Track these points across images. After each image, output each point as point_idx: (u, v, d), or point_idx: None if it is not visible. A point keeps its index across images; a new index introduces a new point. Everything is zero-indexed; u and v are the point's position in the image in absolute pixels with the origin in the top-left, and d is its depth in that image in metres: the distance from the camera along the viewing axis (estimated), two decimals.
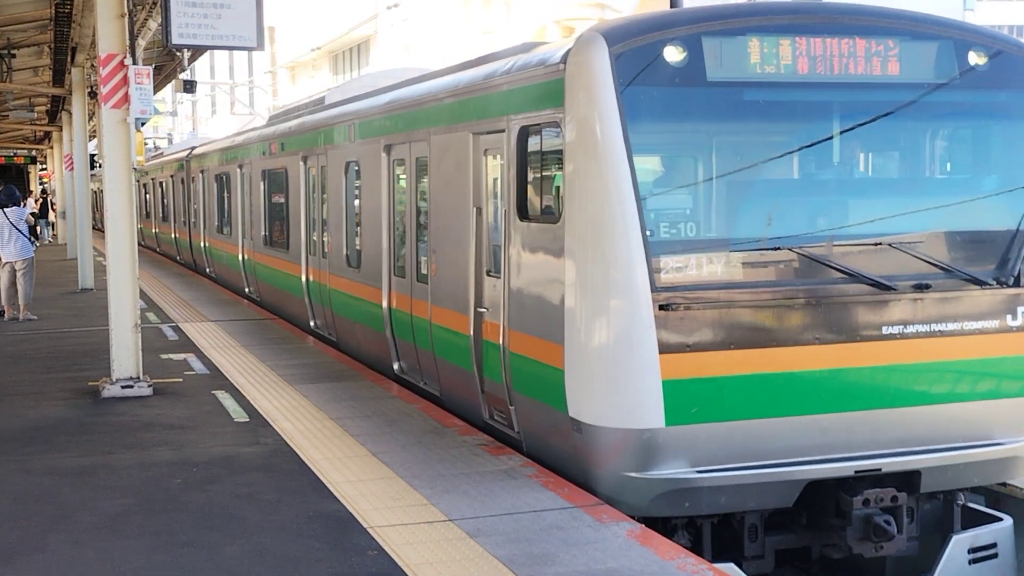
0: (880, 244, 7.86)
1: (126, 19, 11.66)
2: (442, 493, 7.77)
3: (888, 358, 7.75)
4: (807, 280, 7.66)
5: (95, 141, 28.27)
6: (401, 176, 11.59)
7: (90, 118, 26.32)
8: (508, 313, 8.67)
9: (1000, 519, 8.36)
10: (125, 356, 11.59)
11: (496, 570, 6.35)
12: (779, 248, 7.66)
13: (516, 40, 11.46)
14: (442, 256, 10.14)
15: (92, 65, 22.19)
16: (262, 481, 8.25)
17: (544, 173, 8.35)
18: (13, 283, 18.17)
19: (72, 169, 27.74)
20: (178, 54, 20.82)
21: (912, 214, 8.06)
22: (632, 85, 7.42)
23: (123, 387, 11.48)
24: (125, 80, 11.47)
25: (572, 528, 7.02)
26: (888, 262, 7.84)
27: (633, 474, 7.41)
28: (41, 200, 44.85)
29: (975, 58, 8.12)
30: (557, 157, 7.98)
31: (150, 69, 11.67)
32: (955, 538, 8.03)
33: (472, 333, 9.40)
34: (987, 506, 8.79)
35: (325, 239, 14.53)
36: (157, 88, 30.00)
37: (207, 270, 24.95)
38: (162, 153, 37.16)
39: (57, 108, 33.12)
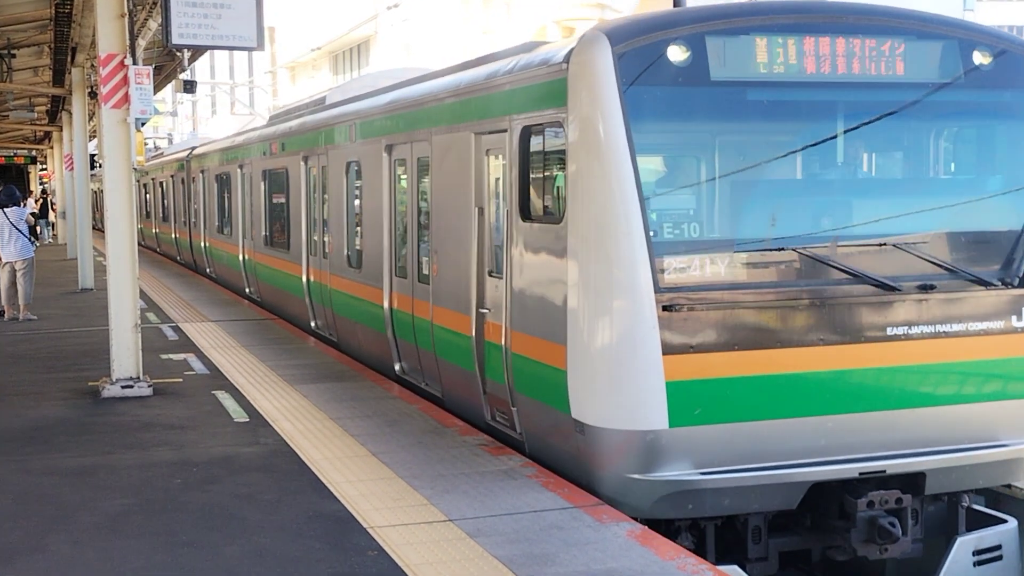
0: (885, 245, 7.83)
1: (126, 19, 11.65)
2: (442, 493, 7.76)
3: (893, 359, 7.72)
4: (811, 281, 7.62)
5: (95, 141, 28.26)
6: (402, 176, 11.55)
7: (90, 118, 26.32)
8: (510, 314, 8.63)
9: (1005, 521, 8.31)
10: (125, 356, 11.59)
11: (496, 570, 6.34)
12: (783, 249, 7.62)
13: (516, 40, 11.43)
14: (444, 256, 10.11)
15: (92, 65, 22.19)
16: (262, 481, 8.25)
17: (546, 173, 8.31)
18: (13, 283, 18.16)
19: (72, 169, 27.73)
20: (178, 54, 20.84)
21: (917, 214, 8.02)
22: (635, 85, 7.39)
23: (123, 387, 11.48)
24: (125, 80, 11.46)
25: (572, 528, 7.01)
26: (893, 263, 7.81)
27: (636, 476, 7.38)
28: (41, 200, 44.85)
29: (980, 58, 8.08)
30: (560, 157, 7.95)
31: (150, 69, 11.67)
32: (960, 540, 7.98)
33: (474, 334, 9.36)
34: (987, 507, 8.76)
35: (326, 239, 14.49)
36: (157, 88, 29.99)
37: (207, 270, 24.94)
38: (162, 153, 37.15)
39: (57, 108, 33.11)
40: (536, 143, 8.34)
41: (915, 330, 7.76)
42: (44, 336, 16.25)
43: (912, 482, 7.78)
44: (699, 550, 7.57)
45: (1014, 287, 7.99)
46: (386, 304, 11.79)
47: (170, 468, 8.66)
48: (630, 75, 7.38)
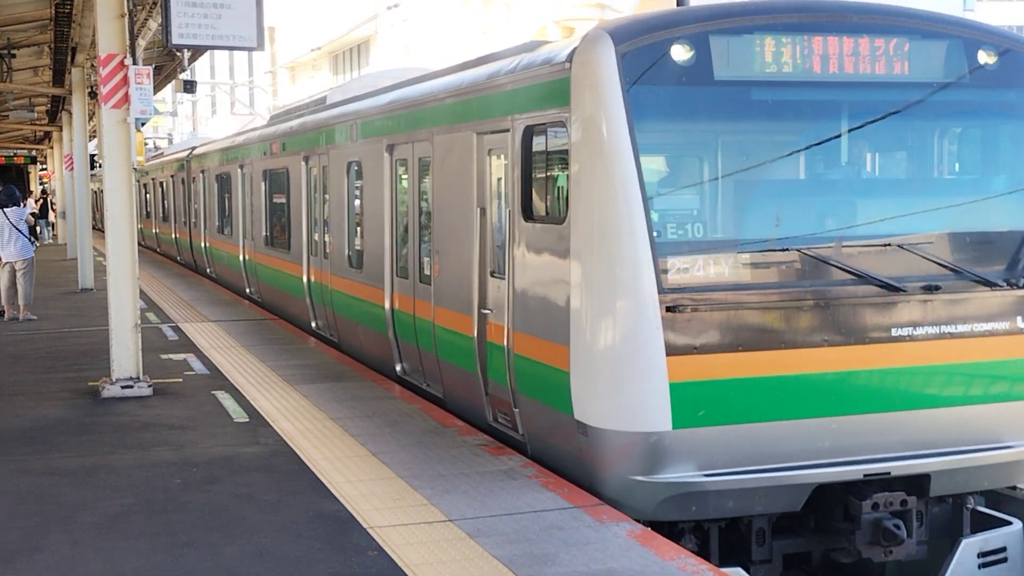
0: (889, 245, 7.79)
1: (126, 19, 11.65)
2: (442, 493, 7.76)
3: (897, 360, 7.68)
4: (815, 281, 7.58)
5: (95, 141, 28.25)
6: (404, 176, 11.51)
7: (90, 118, 26.31)
8: (512, 315, 8.58)
9: (1009, 523, 8.25)
10: (125, 356, 11.58)
11: (496, 570, 6.34)
12: (787, 249, 7.57)
13: (516, 41, 11.40)
14: (445, 257, 10.07)
15: (92, 65, 22.18)
16: (262, 481, 8.24)
17: (549, 173, 8.27)
18: (13, 283, 18.16)
19: (72, 169, 27.72)
20: (178, 54, 20.83)
21: (921, 215, 7.98)
22: (639, 84, 7.35)
23: (123, 387, 11.47)
24: (125, 80, 11.46)
25: (572, 528, 7.00)
26: (897, 263, 7.76)
27: (639, 478, 7.33)
28: (41, 200, 44.85)
29: (985, 57, 8.04)
30: (562, 157, 7.91)
31: (150, 69, 11.67)
32: (964, 542, 7.93)
33: (476, 335, 9.32)
34: (987, 508, 8.74)
35: (327, 239, 14.45)
36: (157, 88, 29.98)
37: (208, 270, 24.92)
38: (162, 153, 37.14)
39: (57, 108, 33.11)
40: (539, 143, 8.30)
41: (920, 331, 7.72)
42: (44, 336, 16.24)
43: (917, 484, 7.73)
44: (703, 552, 7.53)
45: (1019, 288, 7.94)
46: (387, 304, 11.75)
47: (170, 468, 8.65)
48: (633, 74, 7.34)
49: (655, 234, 7.27)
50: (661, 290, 7.22)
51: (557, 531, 6.95)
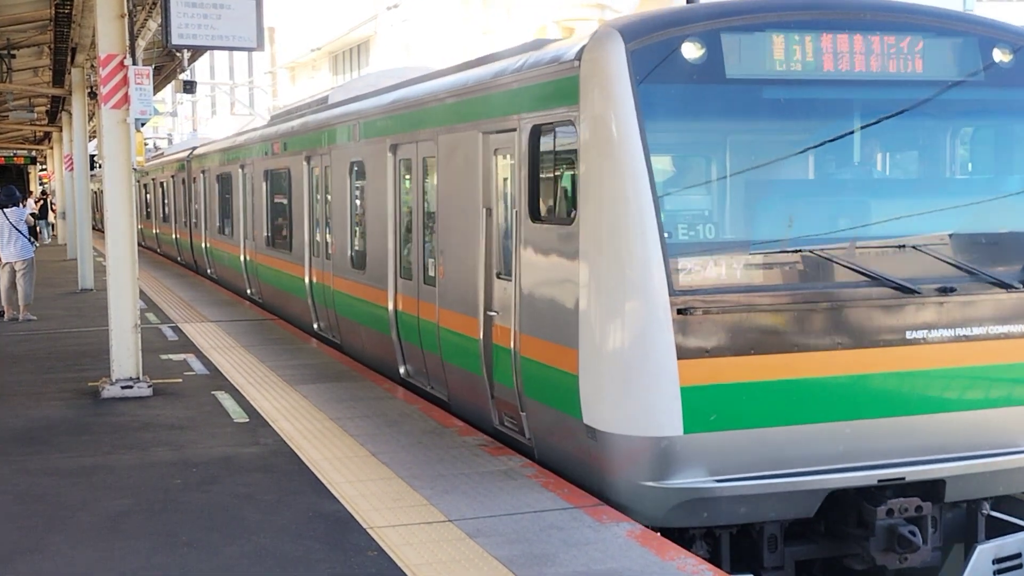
0: (904, 246, 7.66)
1: (126, 19, 11.66)
2: (442, 493, 7.75)
3: (912, 364, 7.54)
4: (829, 283, 7.46)
5: (95, 141, 28.23)
6: (407, 176, 11.40)
7: (90, 118, 26.31)
8: (519, 317, 8.46)
9: None
10: (125, 356, 11.60)
11: (496, 571, 6.33)
12: (800, 250, 7.43)
13: (515, 41, 11.35)
14: (450, 258, 9.95)
15: (92, 65, 22.17)
16: (262, 481, 8.24)
17: (557, 173, 8.15)
18: (13, 284, 18.16)
19: (72, 169, 27.72)
20: (178, 55, 20.80)
21: (936, 215, 7.86)
22: (649, 82, 7.22)
23: (123, 387, 11.49)
24: (125, 80, 11.48)
25: (572, 528, 6.99)
26: (911, 264, 7.64)
27: (650, 483, 7.20)
28: (41, 201, 44.85)
29: (1000, 55, 7.93)
30: (571, 157, 7.78)
31: (150, 69, 11.69)
32: (980, 548, 7.78)
33: (481, 337, 9.21)
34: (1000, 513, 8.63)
35: (329, 240, 14.36)
36: (157, 89, 29.99)
37: (208, 271, 24.87)
38: (163, 153, 37.12)
39: (57, 108, 33.11)
40: (546, 142, 8.18)
41: (935, 334, 7.59)
42: (44, 336, 16.25)
43: (932, 489, 7.59)
44: (714, 559, 7.40)
45: None
46: (390, 306, 11.65)
47: (170, 468, 8.65)
48: (643, 72, 7.21)
49: (666, 235, 7.14)
50: (672, 292, 7.09)
51: (557, 531, 6.94)
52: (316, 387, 11.66)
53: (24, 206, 19.20)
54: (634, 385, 7.24)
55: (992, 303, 7.74)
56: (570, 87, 7.65)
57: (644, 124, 7.15)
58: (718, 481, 7.19)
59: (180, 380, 12.30)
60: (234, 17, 10.97)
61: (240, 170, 20.36)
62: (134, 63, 11.48)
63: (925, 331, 7.59)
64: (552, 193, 8.25)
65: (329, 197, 14.39)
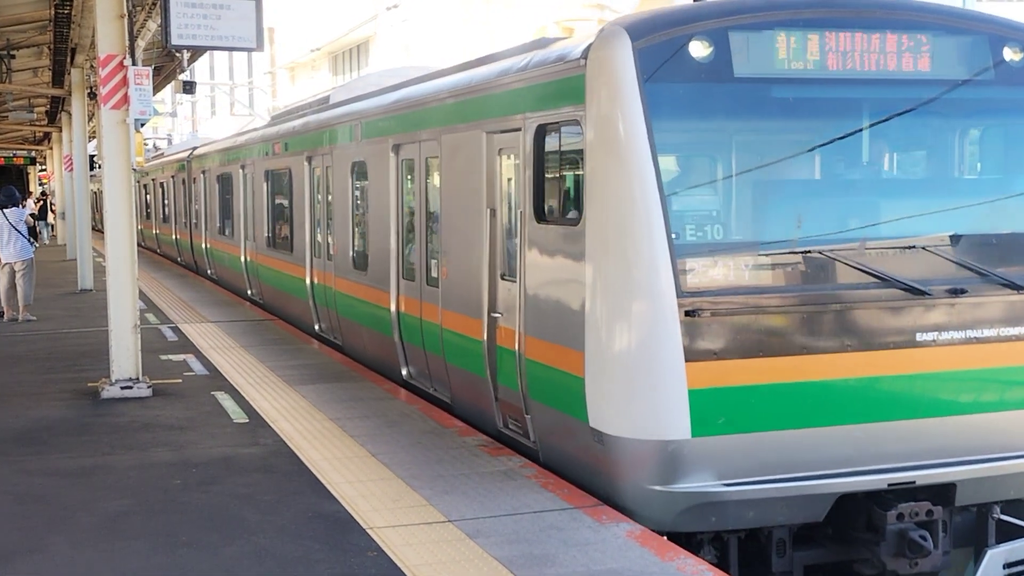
0: (914, 247, 7.57)
1: (125, 20, 11.67)
2: (442, 494, 7.75)
3: (922, 366, 7.45)
4: (838, 285, 7.37)
5: (95, 142, 28.19)
6: (409, 176, 11.32)
7: (90, 119, 26.29)
8: (524, 318, 8.37)
9: None
10: (124, 357, 11.61)
11: (496, 571, 6.33)
12: (809, 251, 7.34)
13: (515, 42, 11.32)
14: (454, 259, 9.86)
15: (91, 66, 22.17)
16: (261, 482, 8.24)
17: (563, 173, 8.07)
18: (13, 284, 18.15)
19: (71, 170, 27.71)
20: (177, 55, 20.77)
21: (945, 216, 7.78)
22: (656, 81, 7.14)
23: (122, 388, 11.51)
24: (125, 81, 11.48)
25: (572, 529, 6.98)
26: (921, 265, 7.55)
27: (658, 487, 7.11)
28: (40, 201, 44.86)
29: (1010, 53, 7.85)
30: (577, 156, 7.70)
31: (149, 70, 11.70)
32: (990, 553, 7.67)
33: (485, 338, 9.12)
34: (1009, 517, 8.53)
35: (330, 241, 14.28)
36: (157, 89, 29.99)
37: (208, 272, 24.81)
38: (162, 153, 37.10)
39: (56, 109, 33.11)
40: (552, 142, 8.09)
41: (945, 335, 7.50)
42: (44, 337, 16.25)
43: (942, 493, 7.50)
44: (722, 564, 7.32)
45: None
46: (393, 307, 11.56)
47: (169, 469, 8.65)
48: (651, 71, 7.13)
49: (673, 235, 7.05)
50: (680, 293, 7.00)
51: (556, 531, 6.94)
52: (316, 387, 11.66)
53: (24, 207, 19.19)
54: (641, 388, 7.15)
55: (1003, 305, 7.66)
56: (576, 86, 7.57)
57: (651, 123, 7.08)
58: (726, 485, 7.11)
59: (180, 381, 12.31)
60: (234, 17, 10.97)
61: (241, 170, 20.32)
62: (134, 63, 11.49)
63: (935, 333, 7.50)
64: (557, 193, 8.17)
65: (331, 197, 14.30)
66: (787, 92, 7.55)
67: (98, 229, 33.13)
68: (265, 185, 18.22)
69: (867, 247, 7.56)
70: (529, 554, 6.57)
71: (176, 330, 16.49)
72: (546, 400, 8.17)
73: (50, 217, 44.24)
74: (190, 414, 10.60)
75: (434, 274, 10.50)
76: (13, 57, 23.60)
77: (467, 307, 9.51)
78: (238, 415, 10.48)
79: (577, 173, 7.76)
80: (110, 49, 11.54)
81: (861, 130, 7.79)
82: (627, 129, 7.12)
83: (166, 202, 31.51)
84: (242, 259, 20.28)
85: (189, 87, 25.90)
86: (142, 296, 18.29)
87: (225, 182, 22.12)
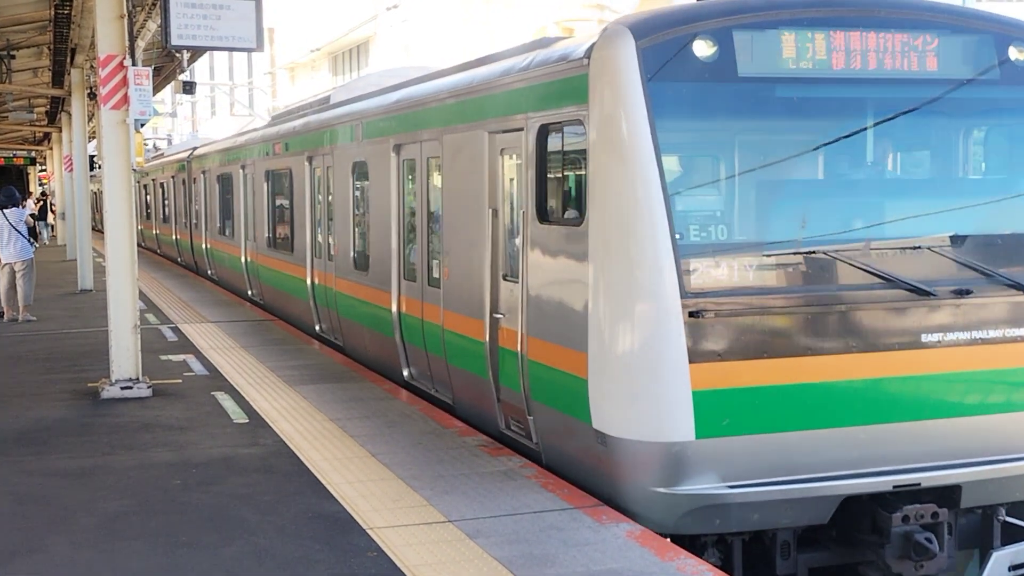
0: (919, 248, 7.52)
1: (125, 20, 11.66)
2: (442, 494, 7.75)
3: (928, 367, 7.41)
4: (843, 286, 7.32)
5: (94, 142, 28.22)
6: (411, 177, 11.27)
7: (89, 119, 26.29)
8: (526, 319, 8.32)
9: None
10: (124, 357, 11.61)
11: (495, 571, 6.32)
12: (814, 252, 7.29)
13: (514, 42, 11.30)
14: (455, 259, 9.81)
15: (91, 66, 22.16)
16: (261, 482, 8.24)
17: (565, 173, 8.03)
18: (13, 284, 18.15)
19: (71, 170, 27.70)
20: (177, 55, 20.78)
21: (950, 216, 7.73)
22: (660, 80, 7.09)
23: (122, 388, 11.50)
24: (124, 81, 11.49)
25: (571, 529, 6.98)
26: (926, 266, 7.51)
27: (661, 489, 7.06)
28: (40, 202, 44.85)
29: (1016, 53, 7.80)
30: (580, 156, 7.66)
31: (149, 70, 11.70)
32: (995, 555, 7.63)
33: (487, 339, 9.07)
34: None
35: (331, 241, 14.24)
36: (156, 89, 29.99)
37: (208, 272, 24.78)
38: (163, 154, 37.09)
39: (56, 109, 33.11)
40: (554, 142, 8.04)
41: (950, 336, 7.46)
42: (44, 337, 16.25)
43: (947, 495, 7.46)
44: (726, 566, 7.28)
45: None
46: (394, 308, 11.51)
47: (169, 469, 8.65)
48: (654, 70, 7.08)
49: (677, 236, 7.00)
50: (683, 294, 6.95)
51: (556, 532, 6.93)
52: (316, 388, 11.65)
53: (24, 207, 19.19)
54: (645, 389, 7.11)
55: (1008, 305, 7.62)
56: (579, 85, 7.52)
57: (655, 123, 7.03)
58: (731, 487, 7.06)
59: (180, 381, 12.30)
60: (234, 18, 10.97)
61: (241, 170, 20.29)
62: (133, 64, 11.49)
63: (940, 334, 7.46)
64: (560, 193, 8.12)
65: (331, 198, 14.26)
66: (791, 92, 7.50)
67: (98, 229, 33.13)
68: (265, 185, 18.18)
69: (872, 248, 7.51)
70: (529, 554, 6.57)
71: (176, 330, 16.48)
72: (548, 401, 8.14)
73: (50, 217, 44.23)
74: (190, 414, 10.59)
75: (436, 275, 10.46)
76: (13, 57, 23.59)
77: (469, 308, 9.46)
78: (238, 415, 10.48)
79: (580, 173, 7.72)
80: (110, 49, 11.54)
81: (866, 129, 7.75)
82: (630, 129, 7.08)
83: (166, 202, 31.49)
84: (242, 259, 20.26)
85: (189, 87, 25.91)
86: (142, 296, 18.29)
87: (225, 182, 22.09)
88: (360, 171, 13.01)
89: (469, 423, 9.82)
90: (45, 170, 55.58)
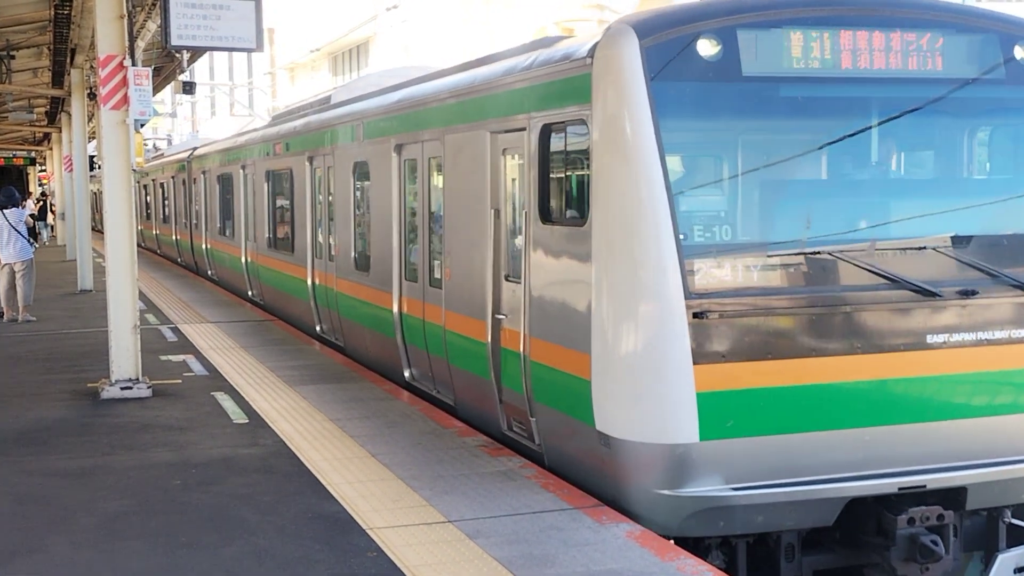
0: (925, 248, 7.49)
1: (125, 20, 11.66)
2: (441, 494, 7.74)
3: (933, 368, 7.37)
4: (848, 286, 7.28)
5: (94, 142, 28.22)
6: (412, 177, 11.23)
7: (89, 119, 26.28)
8: (529, 320, 8.28)
9: None
10: (124, 357, 11.61)
11: (495, 572, 6.32)
12: (819, 252, 7.26)
13: (514, 42, 11.28)
14: (457, 260, 9.77)
15: (91, 66, 22.15)
16: (261, 482, 8.23)
17: (568, 173, 7.98)
18: (12, 285, 18.15)
19: (71, 170, 27.69)
20: (177, 55, 20.80)
21: (956, 216, 7.70)
22: (664, 80, 7.05)
23: (122, 388, 11.50)
24: (124, 81, 11.49)
25: (571, 529, 6.97)
26: (932, 267, 7.48)
27: (665, 492, 7.02)
28: (40, 202, 44.85)
29: (1022, 52, 7.76)
30: (583, 156, 7.61)
31: (149, 70, 11.70)
32: (1001, 557, 7.59)
33: (489, 340, 9.02)
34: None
35: (332, 241, 14.20)
36: (156, 89, 29.98)
37: (209, 273, 24.74)
38: (163, 154, 37.08)
39: (56, 109, 33.10)
40: (557, 142, 8.00)
41: (956, 338, 7.41)
42: (43, 337, 16.24)
43: (952, 497, 7.41)
44: (730, 568, 7.26)
45: None
46: (395, 308, 11.47)
47: (169, 469, 8.64)
48: (658, 69, 7.04)
49: (681, 236, 6.96)
50: (687, 295, 6.91)
51: (556, 532, 6.93)
52: (315, 388, 11.65)
53: (23, 207, 19.19)
54: (648, 391, 7.06)
55: (1014, 306, 7.58)
56: (582, 85, 7.48)
57: (658, 122, 6.99)
58: (735, 489, 7.02)
59: (179, 381, 12.30)
60: (233, 18, 10.96)
61: (241, 171, 20.27)
62: (133, 64, 11.49)
63: (946, 335, 7.41)
64: (563, 194, 8.08)
65: (332, 198, 14.22)
66: (796, 91, 7.46)
67: (98, 230, 33.13)
68: (266, 185, 18.14)
69: (877, 248, 7.48)
70: (529, 554, 6.56)
71: (176, 331, 16.47)
72: (551, 403, 8.09)
73: (50, 218, 44.24)
74: (190, 414, 10.59)
75: (437, 275, 10.42)
76: (13, 58, 23.58)
77: (471, 309, 9.42)
78: (238, 415, 10.48)
79: (583, 173, 7.67)
80: (110, 50, 11.54)
81: (871, 128, 7.71)
82: (634, 128, 7.04)
83: (166, 203, 31.47)
84: (243, 260, 20.24)
85: (189, 88, 25.91)
86: (142, 297, 18.29)
87: (225, 182, 22.07)
88: (361, 171, 12.96)
89: (471, 424, 9.77)
90: (45, 170, 55.59)
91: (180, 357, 13.92)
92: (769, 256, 7.27)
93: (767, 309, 7.11)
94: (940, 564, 7.25)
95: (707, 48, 7.16)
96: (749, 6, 7.37)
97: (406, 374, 11.51)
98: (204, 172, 24.65)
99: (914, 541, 7.20)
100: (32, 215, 25.87)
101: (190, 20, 10.82)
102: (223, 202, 22.44)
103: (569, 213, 7.97)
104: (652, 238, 6.97)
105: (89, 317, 18.16)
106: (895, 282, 7.32)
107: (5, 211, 17.79)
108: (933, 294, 7.35)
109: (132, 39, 11.71)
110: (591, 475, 7.68)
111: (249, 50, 11.36)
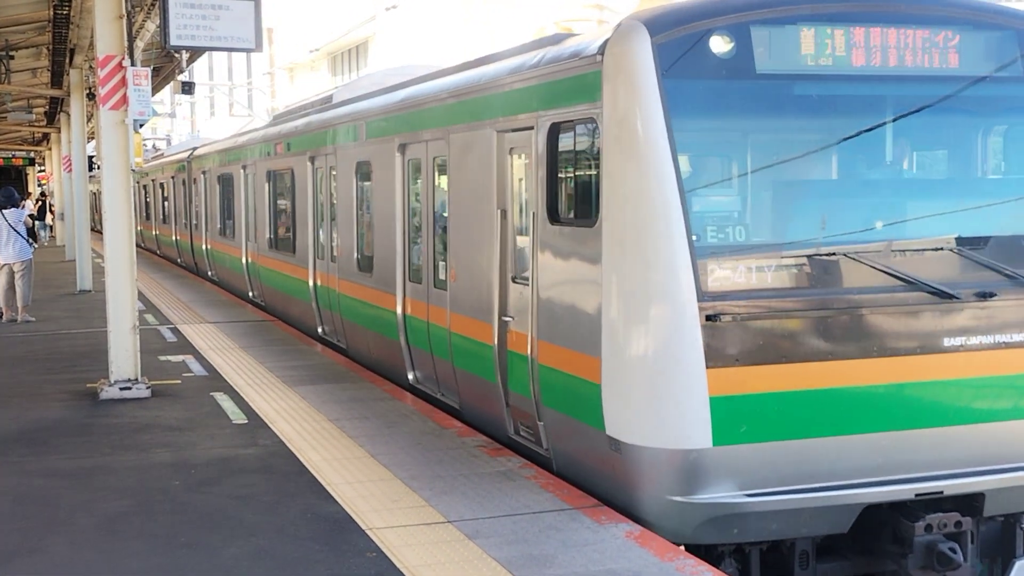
0: (941, 249, 7.35)
1: (124, 20, 11.65)
2: (441, 494, 7.73)
3: (951, 372, 7.23)
4: (863, 288, 7.13)
5: (93, 143, 28.24)
6: (416, 177, 11.10)
7: (88, 120, 26.27)
8: (537, 322, 8.14)
9: None
10: (123, 358, 11.60)
11: (495, 572, 6.31)
12: (834, 253, 7.11)
13: (514, 42, 11.25)
14: (462, 261, 9.63)
15: (90, 67, 22.14)
16: (260, 483, 8.23)
17: (578, 173, 7.84)
18: (11, 285, 18.14)
19: (70, 171, 27.65)
20: (176, 55, 20.83)
21: (973, 216, 7.56)
22: (676, 77, 6.91)
23: (121, 389, 11.49)
24: (123, 81, 11.49)
25: (571, 529, 6.96)
26: (949, 268, 7.34)
27: (678, 498, 6.87)
28: (39, 202, 44.85)
29: None
30: (592, 155, 7.48)
31: (148, 70, 11.70)
32: (1018, 563, 7.48)
33: (496, 343, 8.90)
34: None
35: (334, 242, 14.10)
36: (156, 90, 29.94)
37: (209, 273, 24.64)
38: (162, 154, 37.04)
39: (55, 110, 33.10)
40: (566, 141, 7.85)
41: (974, 340, 7.27)
42: (42, 338, 16.24)
43: (970, 503, 7.27)
44: None
45: None
46: (399, 310, 11.35)
47: (168, 470, 8.63)
48: (670, 67, 6.90)
49: (693, 237, 6.82)
50: (700, 297, 6.76)
51: (556, 532, 6.92)
52: (315, 388, 11.64)
53: (23, 207, 19.19)
54: (660, 395, 6.91)
55: None
56: (592, 83, 7.34)
57: (670, 121, 6.85)
58: (748, 496, 6.88)
59: (179, 381, 12.29)
60: (233, 18, 10.96)
61: (242, 171, 20.18)
62: (132, 64, 11.49)
63: (963, 338, 7.27)
64: (572, 193, 7.94)
65: (334, 198, 14.11)
66: (810, 89, 7.33)
67: (97, 230, 33.14)
68: (267, 186, 18.02)
69: (893, 249, 7.33)
70: (528, 555, 6.55)
71: (175, 331, 16.46)
72: (560, 407, 7.96)
73: (49, 218, 44.22)
74: (189, 415, 10.59)
75: (442, 276, 10.29)
76: (12, 58, 23.56)
77: (476, 310, 9.30)
78: (237, 416, 10.47)
79: (592, 173, 7.54)
80: (109, 50, 11.53)
81: (886, 125, 7.59)
82: (645, 127, 6.90)
83: (166, 203, 31.42)
84: (243, 260, 20.16)
85: (188, 88, 25.91)
86: (141, 297, 18.25)
87: (226, 183, 21.99)
88: (363, 171, 12.83)
89: (477, 428, 9.65)
90: (44, 171, 55.57)
91: (179, 357, 13.91)
92: (783, 257, 7.13)
93: (781, 311, 6.97)
94: (958, 572, 7.11)
95: (720, 45, 7.03)
96: (762, 2, 7.23)
97: (410, 377, 11.39)
98: (204, 172, 24.59)
99: (931, 549, 7.06)
100: (31, 215, 25.85)
101: (189, 20, 10.82)
102: (223, 202, 22.34)
103: (578, 213, 7.83)
104: (664, 239, 6.84)
105: (88, 317, 18.15)
106: (912, 284, 7.19)
107: (4, 211, 17.77)
108: (951, 296, 7.21)
109: (131, 39, 11.71)
110: (601, 481, 7.54)
111: (248, 50, 11.34)
